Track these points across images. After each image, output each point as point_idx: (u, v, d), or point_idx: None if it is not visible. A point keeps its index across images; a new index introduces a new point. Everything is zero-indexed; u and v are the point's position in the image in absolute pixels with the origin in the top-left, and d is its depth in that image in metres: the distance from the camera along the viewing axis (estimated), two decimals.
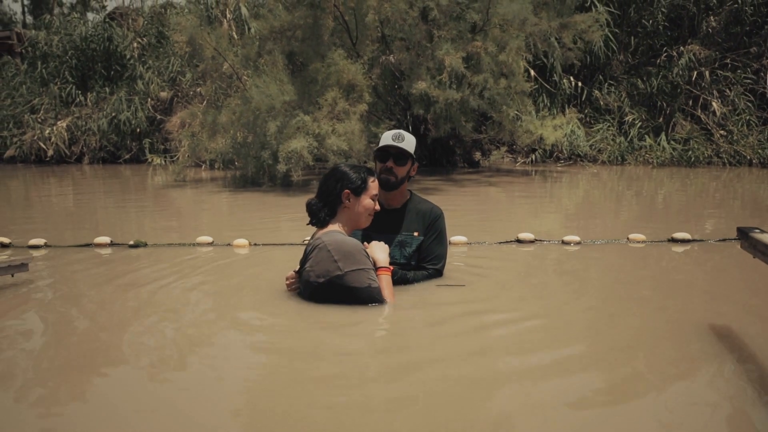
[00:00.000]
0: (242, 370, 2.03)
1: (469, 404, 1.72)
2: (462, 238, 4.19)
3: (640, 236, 4.24)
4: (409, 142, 2.93)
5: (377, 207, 2.72)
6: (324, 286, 2.52)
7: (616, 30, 13.41)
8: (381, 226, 2.95)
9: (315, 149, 8.07)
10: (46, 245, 4.19)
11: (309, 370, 1.99)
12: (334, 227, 2.62)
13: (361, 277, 2.50)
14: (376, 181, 2.73)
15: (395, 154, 2.89)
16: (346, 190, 2.60)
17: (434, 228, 2.99)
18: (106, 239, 4.22)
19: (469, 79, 9.27)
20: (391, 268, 2.71)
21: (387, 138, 2.94)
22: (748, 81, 12.74)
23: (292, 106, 8.42)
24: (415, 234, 2.97)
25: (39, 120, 14.98)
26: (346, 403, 1.75)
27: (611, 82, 13.59)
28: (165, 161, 13.87)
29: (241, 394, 1.84)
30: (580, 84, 13.43)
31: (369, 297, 2.52)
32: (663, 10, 13.23)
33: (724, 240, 4.16)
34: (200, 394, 1.82)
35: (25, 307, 2.73)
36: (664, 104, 12.86)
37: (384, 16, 9.11)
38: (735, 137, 12.18)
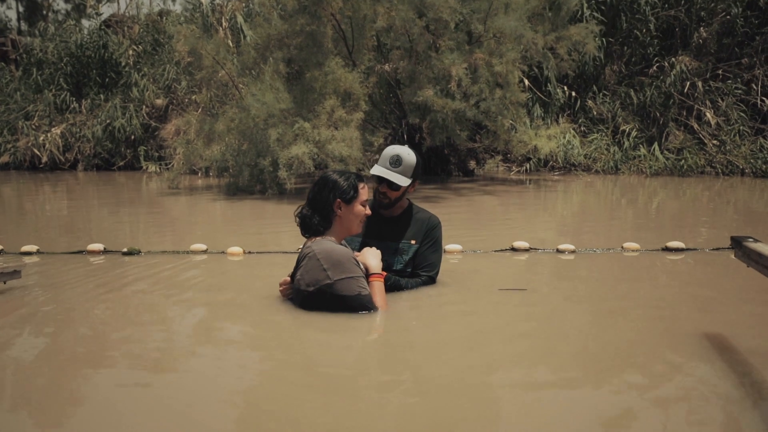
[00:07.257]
0: (235, 375, 2.02)
1: (463, 410, 1.72)
2: (457, 246, 4.19)
3: (635, 245, 4.25)
4: (406, 166, 2.84)
5: (368, 211, 2.71)
6: (314, 295, 2.51)
7: (611, 39, 13.51)
8: (379, 234, 2.95)
9: (316, 155, 8.08)
10: (38, 252, 4.17)
11: (301, 376, 1.99)
12: (327, 236, 2.62)
13: (351, 285, 2.49)
14: (366, 187, 2.72)
15: (388, 180, 2.85)
16: (338, 200, 2.59)
17: (430, 236, 3.00)
18: (99, 246, 4.20)
19: (464, 88, 9.31)
20: (384, 274, 2.70)
21: (385, 159, 2.86)
22: (740, 91, 12.86)
23: (290, 114, 8.43)
24: (412, 242, 2.97)
25: (33, 126, 14.92)
26: (338, 407, 1.74)
27: (605, 92, 13.68)
28: (159, 168, 13.83)
29: (235, 399, 1.83)
30: (573, 94, 13.51)
31: (359, 305, 2.51)
32: (651, 19, 13.32)
33: (718, 249, 4.17)
34: (195, 396, 1.82)
35: (18, 314, 2.70)
36: (658, 114, 12.95)
37: (390, 23, 9.13)
38: (728, 147, 12.27)
